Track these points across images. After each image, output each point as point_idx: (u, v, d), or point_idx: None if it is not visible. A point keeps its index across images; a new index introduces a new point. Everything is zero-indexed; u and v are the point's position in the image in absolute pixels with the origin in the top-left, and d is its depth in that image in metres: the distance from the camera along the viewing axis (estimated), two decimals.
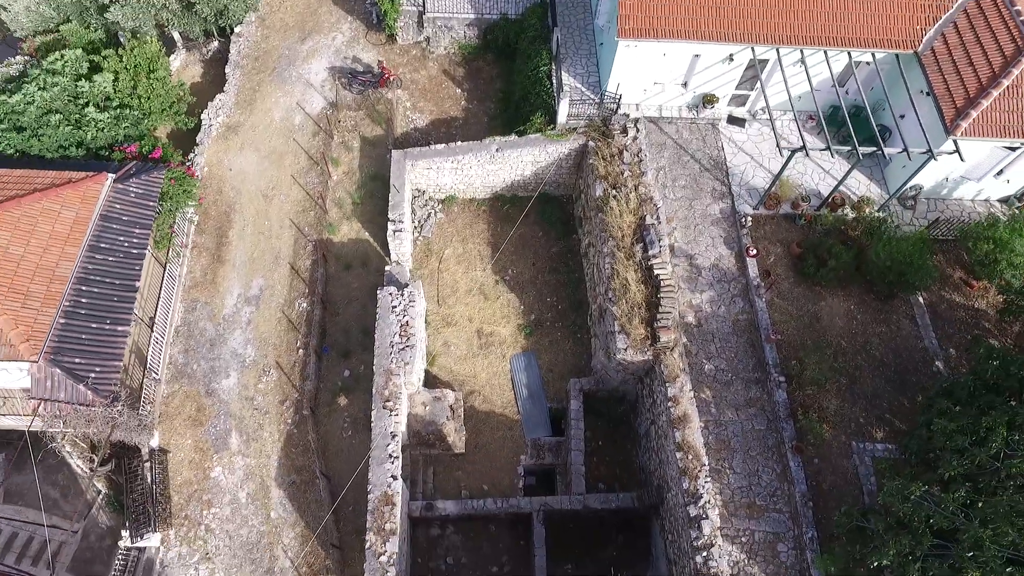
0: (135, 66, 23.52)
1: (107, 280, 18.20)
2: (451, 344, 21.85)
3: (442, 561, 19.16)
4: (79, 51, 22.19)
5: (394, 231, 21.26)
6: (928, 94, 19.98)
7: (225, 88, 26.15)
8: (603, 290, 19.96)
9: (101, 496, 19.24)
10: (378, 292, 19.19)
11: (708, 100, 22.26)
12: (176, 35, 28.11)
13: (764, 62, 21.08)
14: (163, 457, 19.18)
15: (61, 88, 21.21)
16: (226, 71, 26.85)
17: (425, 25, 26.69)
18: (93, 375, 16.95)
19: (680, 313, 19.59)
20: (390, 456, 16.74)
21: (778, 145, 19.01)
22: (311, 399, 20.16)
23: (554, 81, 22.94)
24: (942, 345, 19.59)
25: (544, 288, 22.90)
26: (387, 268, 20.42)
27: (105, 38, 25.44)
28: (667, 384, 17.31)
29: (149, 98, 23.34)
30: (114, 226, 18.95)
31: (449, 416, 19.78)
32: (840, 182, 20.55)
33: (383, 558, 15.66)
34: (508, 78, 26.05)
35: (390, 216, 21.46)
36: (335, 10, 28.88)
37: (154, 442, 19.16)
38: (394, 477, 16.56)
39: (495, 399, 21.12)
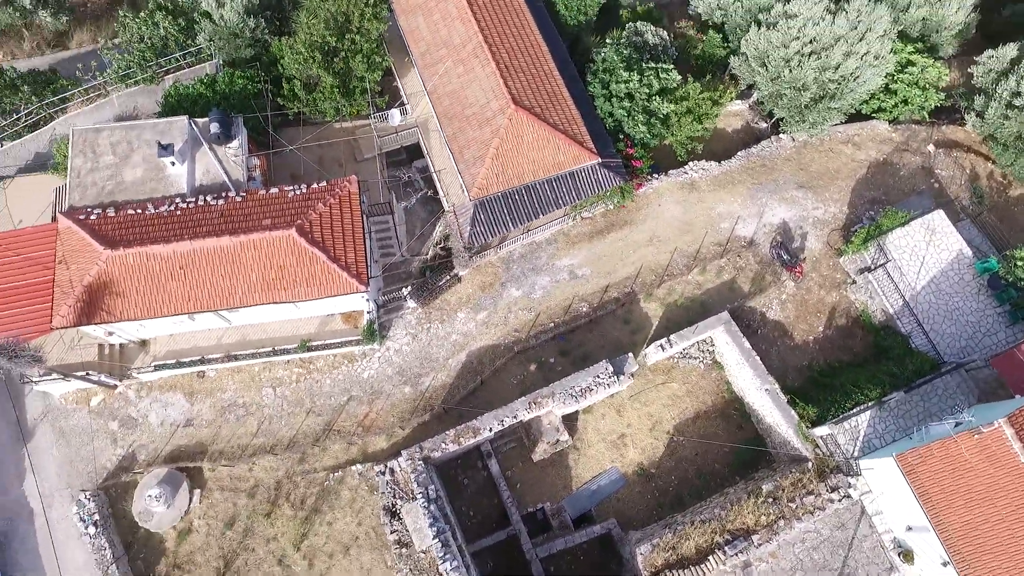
0: (705, 101, 31.15)
1: (536, 199, 28.01)
2: (605, 418, 28.65)
3: (464, 479, 28.19)
4: (698, 87, 30.27)
5: (660, 346, 27.66)
6: None
7: (723, 162, 32.78)
8: (685, 520, 24.84)
9: (423, 256, 30.96)
10: (604, 360, 26.49)
11: (907, 556, 23.57)
12: (758, 93, 34.56)
13: None
14: (455, 280, 30.13)
15: (646, 86, 29.86)
16: (739, 153, 33.21)
17: (861, 278, 29.69)
18: (479, 229, 27.50)
19: None
20: (502, 422, 25.32)
21: None
22: (523, 349, 29.12)
23: (858, 409, 25.67)
24: None
25: (682, 472, 27.98)
26: (628, 355, 27.34)
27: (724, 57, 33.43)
28: None
29: (684, 127, 31.06)
30: (569, 181, 28.32)
31: (551, 443, 27.50)
32: None
33: (443, 444, 24.99)
34: (859, 360, 28.67)
35: (672, 337, 27.73)
36: (844, 191, 32.58)
37: (461, 272, 30.07)
38: (491, 430, 25.27)
39: (579, 467, 28.03)
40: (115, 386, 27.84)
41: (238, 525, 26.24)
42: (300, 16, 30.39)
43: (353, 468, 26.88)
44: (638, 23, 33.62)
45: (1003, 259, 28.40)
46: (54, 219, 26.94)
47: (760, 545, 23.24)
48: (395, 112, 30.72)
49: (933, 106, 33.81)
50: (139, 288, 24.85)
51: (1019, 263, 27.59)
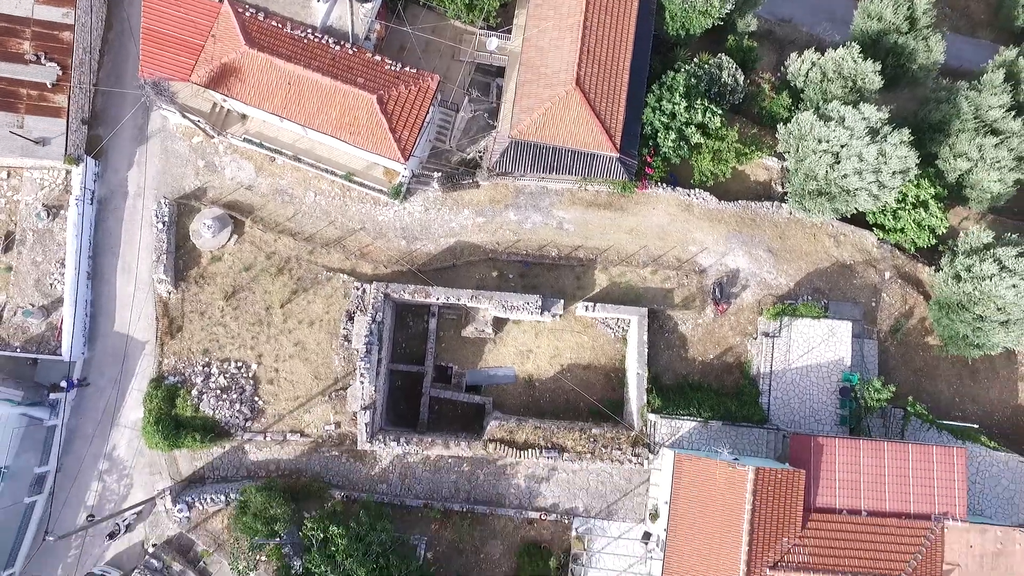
0: (731, 150, 37.02)
1: (558, 160, 35.18)
2: (525, 334, 37.42)
3: (411, 321, 37.79)
4: (734, 135, 36.24)
5: (587, 306, 35.83)
6: None
7: (721, 202, 38.92)
8: (528, 423, 34.38)
9: (464, 155, 38.63)
10: (539, 295, 34.87)
11: (654, 516, 33.01)
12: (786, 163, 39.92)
13: None
14: (475, 185, 38.05)
15: (689, 114, 35.77)
16: (741, 201, 39.19)
17: (761, 338, 36.93)
18: (504, 161, 35.05)
19: None
20: (448, 299, 34.36)
21: None
22: (495, 258, 37.40)
23: (688, 418, 34.06)
24: None
25: (555, 396, 37.03)
26: (560, 301, 35.57)
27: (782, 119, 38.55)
28: None
29: (705, 161, 37.27)
30: (589, 159, 35.27)
31: (479, 330, 36.64)
32: None
33: (402, 292, 34.21)
34: (722, 391, 36.68)
35: (598, 305, 35.85)
36: (801, 271, 38.80)
37: (481, 182, 37.84)
38: (438, 300, 34.42)
39: (489, 355, 37.22)
40: (213, 136, 37.19)
41: (251, 271, 36.46)
42: None
43: (341, 275, 36.54)
44: (724, 57, 38.69)
45: (864, 380, 35.36)
46: (221, 0, 34.98)
47: (567, 460, 32.77)
48: (494, 39, 37.30)
49: (924, 245, 39.06)
50: (255, 83, 33.38)
51: (870, 389, 34.63)
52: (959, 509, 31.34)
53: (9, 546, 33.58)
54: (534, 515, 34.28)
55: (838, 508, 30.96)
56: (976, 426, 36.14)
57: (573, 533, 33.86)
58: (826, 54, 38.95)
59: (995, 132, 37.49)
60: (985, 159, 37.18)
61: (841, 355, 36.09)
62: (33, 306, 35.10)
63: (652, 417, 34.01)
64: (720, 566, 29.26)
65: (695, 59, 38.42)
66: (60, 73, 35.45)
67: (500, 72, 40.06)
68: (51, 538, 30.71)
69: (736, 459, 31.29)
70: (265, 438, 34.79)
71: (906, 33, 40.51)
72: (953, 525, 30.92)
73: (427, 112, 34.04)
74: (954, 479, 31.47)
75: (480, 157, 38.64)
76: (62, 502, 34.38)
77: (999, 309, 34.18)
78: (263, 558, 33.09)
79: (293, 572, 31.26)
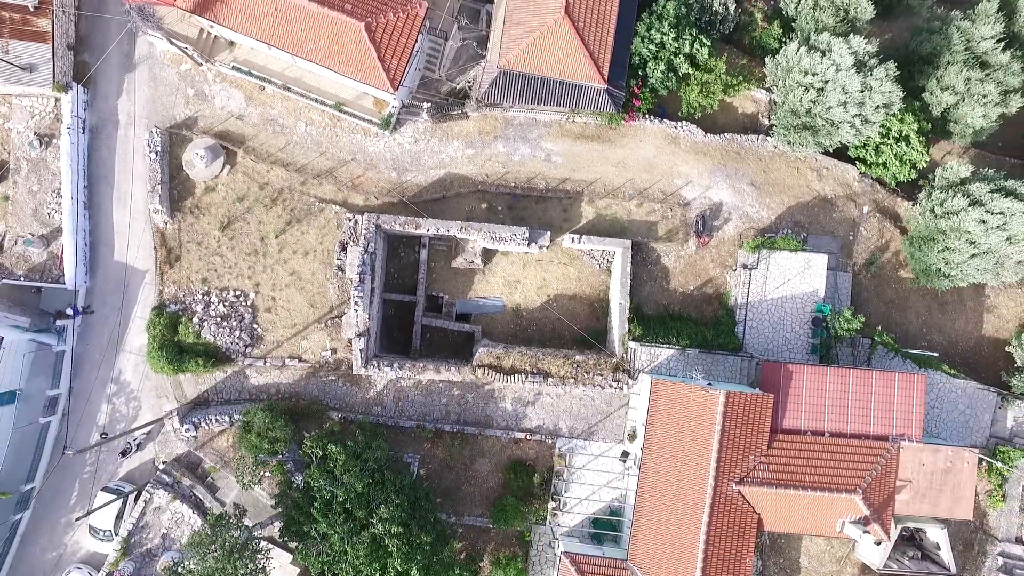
0: (718, 81, 37.13)
1: (546, 91, 35.29)
2: (513, 265, 38.61)
3: (402, 252, 38.84)
4: (722, 67, 36.05)
5: (572, 238, 36.90)
6: None
7: (708, 135, 39.31)
8: (515, 350, 36.13)
9: (453, 85, 38.65)
10: (525, 227, 35.86)
11: (632, 436, 35.34)
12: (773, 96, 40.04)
13: None
14: (464, 116, 38.17)
15: (678, 45, 35.69)
16: (727, 134, 39.58)
17: (740, 270, 38.28)
18: (492, 91, 35.13)
19: None
20: (438, 230, 35.30)
21: None
22: (484, 190, 38.07)
23: (667, 346, 35.83)
24: None
25: (541, 324, 38.60)
26: (547, 233, 36.61)
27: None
28: None
29: (692, 92, 37.42)
30: (576, 91, 35.40)
31: (468, 261, 37.80)
32: None
33: (393, 223, 35.10)
34: (701, 320, 38.38)
35: (583, 237, 36.88)
36: (783, 205, 39.74)
37: (471, 113, 37.97)
38: (428, 231, 35.36)
39: (479, 285, 38.52)
40: (201, 64, 36.94)
41: (245, 202, 37.15)
42: None
43: (334, 207, 37.28)
44: None
45: (835, 311, 37.00)
46: None
47: (551, 385, 34.73)
48: None
49: (904, 180, 39.81)
50: (241, 7, 32.97)
51: (841, 320, 36.31)
52: (915, 431, 33.65)
53: (28, 462, 35.82)
54: (520, 435, 36.61)
55: (803, 429, 33.21)
56: (936, 355, 38.12)
57: (556, 452, 36.33)
58: None
59: (983, 65, 37.56)
60: (971, 93, 37.41)
61: (815, 287, 37.56)
62: (33, 235, 35.90)
63: (633, 345, 35.76)
64: (691, 481, 31.70)
65: None
66: None
67: None
68: (70, 452, 32.83)
69: (709, 384, 33.27)
70: (265, 363, 36.52)
71: None
72: (908, 445, 33.32)
73: (416, 40, 33.87)
74: (912, 403, 33.63)
75: (469, 87, 38.61)
76: (76, 423, 36.40)
77: (969, 243, 35.41)
78: (267, 473, 35.49)
79: (295, 486, 33.64)
